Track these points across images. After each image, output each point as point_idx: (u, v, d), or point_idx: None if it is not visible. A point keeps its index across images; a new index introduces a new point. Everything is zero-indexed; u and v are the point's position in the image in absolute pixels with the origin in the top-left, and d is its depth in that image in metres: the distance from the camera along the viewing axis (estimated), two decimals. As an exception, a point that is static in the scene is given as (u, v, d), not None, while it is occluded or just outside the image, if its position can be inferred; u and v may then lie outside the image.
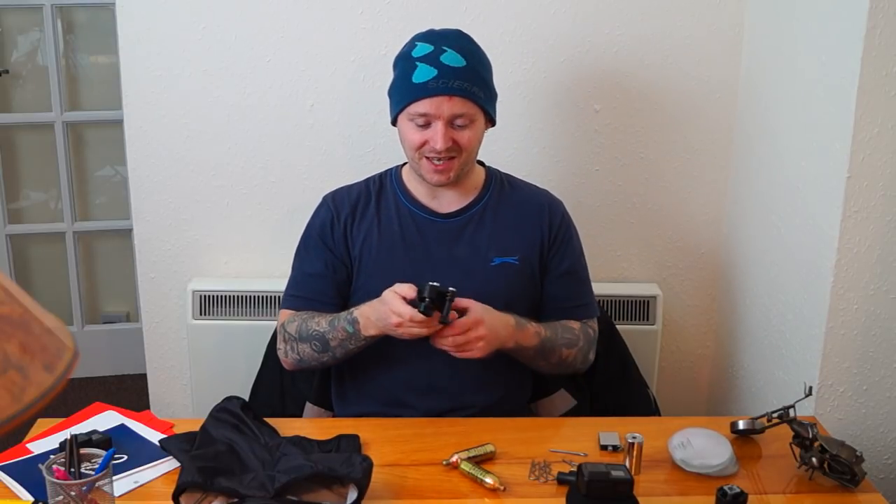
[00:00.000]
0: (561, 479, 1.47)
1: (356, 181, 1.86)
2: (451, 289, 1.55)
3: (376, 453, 1.53)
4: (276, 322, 2.02)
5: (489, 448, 1.54)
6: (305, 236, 1.83)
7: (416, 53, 1.68)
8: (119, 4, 2.17)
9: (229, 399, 1.66)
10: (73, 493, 1.25)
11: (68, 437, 1.33)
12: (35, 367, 0.69)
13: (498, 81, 1.76)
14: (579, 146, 2.27)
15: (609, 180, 2.30)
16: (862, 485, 1.48)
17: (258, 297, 2.28)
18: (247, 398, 1.77)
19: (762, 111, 2.11)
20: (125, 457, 1.53)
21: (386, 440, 1.60)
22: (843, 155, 1.70)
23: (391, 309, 1.57)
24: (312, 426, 1.72)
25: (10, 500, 1.40)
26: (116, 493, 1.36)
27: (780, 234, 2.01)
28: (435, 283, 1.54)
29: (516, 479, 1.49)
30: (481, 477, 1.46)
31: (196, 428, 1.58)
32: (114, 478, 1.36)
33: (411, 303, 1.55)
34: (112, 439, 1.55)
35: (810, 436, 1.49)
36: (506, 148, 2.19)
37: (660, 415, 2.05)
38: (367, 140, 2.25)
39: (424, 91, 1.64)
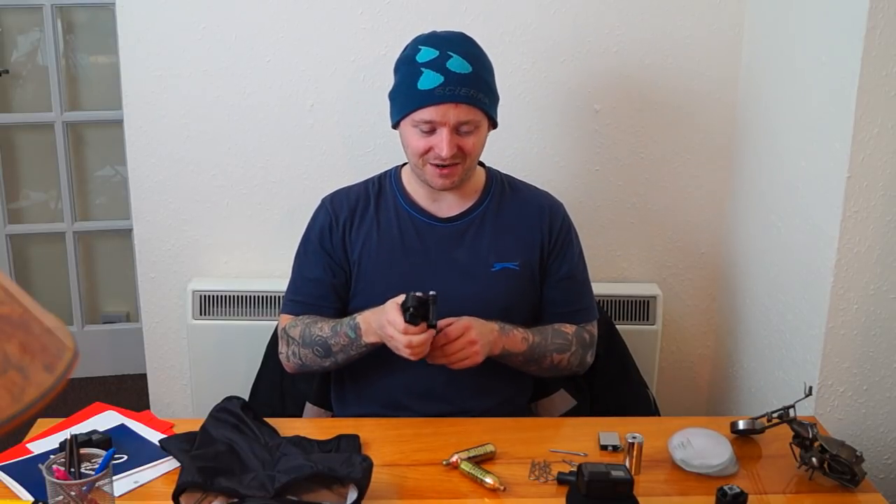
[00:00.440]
0: (561, 479, 1.47)
1: (355, 182, 1.86)
2: (431, 293, 1.54)
3: (376, 453, 1.53)
4: (275, 322, 2.02)
5: (489, 448, 1.54)
6: (305, 240, 1.83)
7: (420, 58, 1.65)
8: (119, 4, 2.17)
9: (229, 399, 1.66)
10: (73, 493, 1.25)
11: (68, 437, 1.33)
12: (35, 367, 0.69)
13: (498, 82, 1.75)
14: (579, 146, 2.27)
15: (609, 180, 2.30)
16: (862, 485, 1.48)
17: (258, 297, 2.28)
18: (247, 398, 1.77)
19: (762, 111, 2.11)
20: (125, 457, 1.53)
21: (386, 440, 1.60)
22: (843, 155, 1.70)
23: (386, 318, 1.57)
24: (312, 426, 1.72)
25: (10, 500, 1.40)
26: (116, 493, 1.36)
27: (780, 234, 2.01)
28: (417, 293, 1.53)
29: (516, 479, 1.49)
30: (481, 477, 1.46)
31: (196, 428, 1.58)
32: (114, 478, 1.36)
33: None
34: (112, 439, 1.55)
35: (810, 436, 1.49)
36: (506, 148, 2.19)
37: (659, 415, 2.05)
38: (366, 140, 2.25)
39: (430, 98, 1.63)
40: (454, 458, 1.51)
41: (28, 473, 1.46)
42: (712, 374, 2.46)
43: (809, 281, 1.86)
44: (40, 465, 1.31)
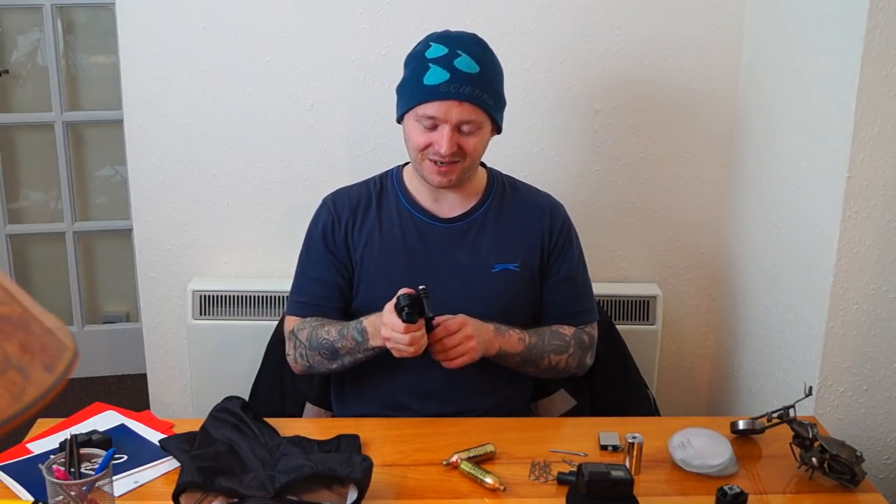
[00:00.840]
0: (561, 479, 1.47)
1: (356, 182, 1.86)
2: (421, 287, 1.55)
3: (376, 453, 1.53)
4: (276, 322, 2.02)
5: (489, 448, 1.54)
6: (307, 240, 1.83)
7: (429, 54, 1.66)
8: (119, 4, 2.17)
9: (229, 399, 1.66)
10: (73, 493, 1.25)
11: (68, 437, 1.34)
12: (35, 367, 0.69)
13: (498, 82, 1.76)
14: (579, 146, 2.27)
15: (609, 180, 2.30)
16: (862, 485, 1.48)
17: (258, 297, 2.28)
18: (247, 398, 1.77)
19: (762, 111, 2.11)
20: (125, 457, 1.53)
21: (386, 440, 1.60)
22: (843, 155, 1.70)
23: (383, 321, 1.57)
24: (312, 426, 1.72)
25: (10, 500, 1.40)
26: (116, 493, 1.36)
27: (780, 234, 2.01)
28: (408, 291, 1.54)
29: (516, 479, 1.49)
30: (481, 477, 1.46)
31: (196, 428, 1.58)
32: (114, 478, 1.36)
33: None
34: (112, 439, 1.55)
35: (810, 436, 1.49)
36: (506, 148, 2.19)
37: (659, 415, 2.05)
38: (367, 140, 2.25)
39: (435, 94, 1.63)
40: (454, 458, 1.51)
41: (28, 473, 1.46)
42: (712, 375, 2.46)
43: (809, 281, 1.86)
44: (40, 465, 1.31)
